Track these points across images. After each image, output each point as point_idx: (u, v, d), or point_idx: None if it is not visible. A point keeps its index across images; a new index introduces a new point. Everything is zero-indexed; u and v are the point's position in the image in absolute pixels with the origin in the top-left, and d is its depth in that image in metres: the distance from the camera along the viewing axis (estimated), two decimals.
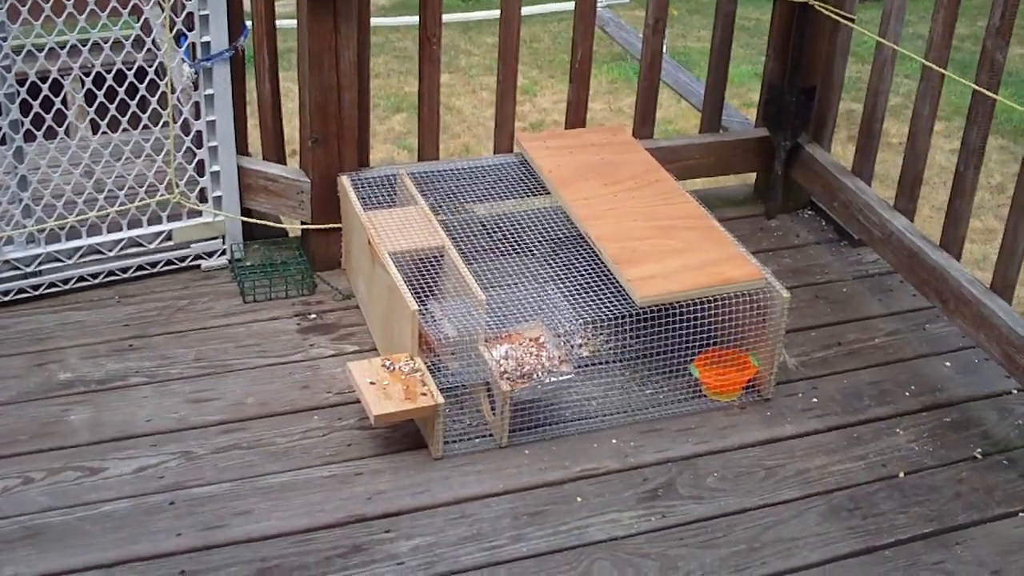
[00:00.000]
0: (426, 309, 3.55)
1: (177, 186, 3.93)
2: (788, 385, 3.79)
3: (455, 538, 3.18)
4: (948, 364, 3.94)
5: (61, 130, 3.80)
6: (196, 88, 3.87)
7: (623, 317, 3.50)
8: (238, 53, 3.91)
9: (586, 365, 3.67)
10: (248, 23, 3.95)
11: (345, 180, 3.98)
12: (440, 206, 4.04)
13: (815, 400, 3.75)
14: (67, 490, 3.23)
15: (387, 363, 3.44)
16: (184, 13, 3.78)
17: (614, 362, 3.73)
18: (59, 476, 3.26)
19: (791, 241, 4.54)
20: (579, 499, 3.33)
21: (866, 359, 3.94)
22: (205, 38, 3.81)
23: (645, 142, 4.34)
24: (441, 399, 3.33)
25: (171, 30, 3.79)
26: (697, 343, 3.63)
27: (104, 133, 3.87)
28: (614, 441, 3.53)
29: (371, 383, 3.38)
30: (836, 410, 3.72)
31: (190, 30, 3.79)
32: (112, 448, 3.37)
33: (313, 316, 3.94)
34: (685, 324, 3.55)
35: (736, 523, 3.30)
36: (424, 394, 3.35)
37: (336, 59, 3.84)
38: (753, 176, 4.83)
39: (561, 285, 3.72)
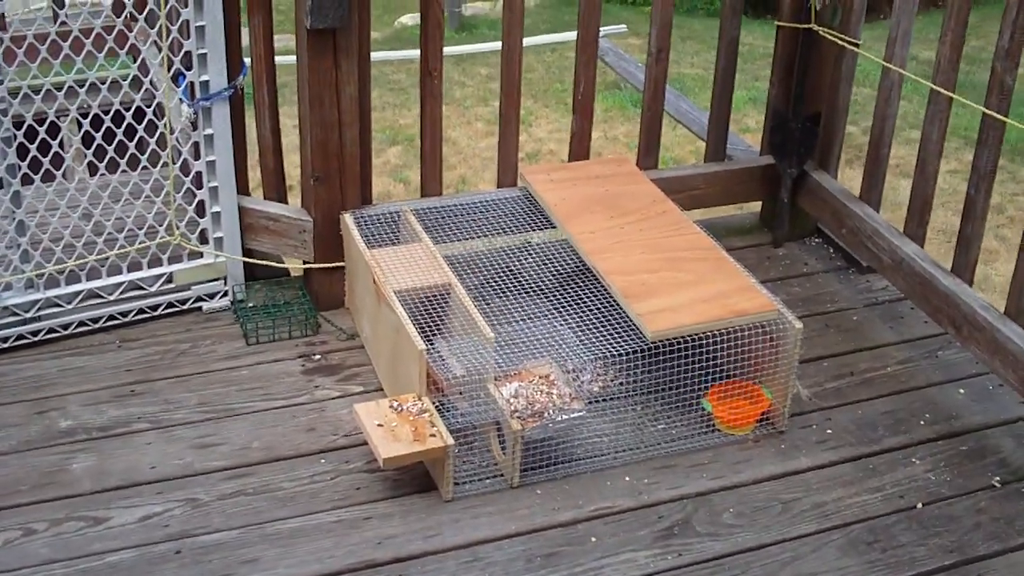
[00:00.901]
0: (433, 348, 3.49)
1: (177, 227, 3.87)
2: (802, 417, 3.73)
3: None
4: (962, 391, 3.88)
5: (59, 173, 3.74)
6: (195, 128, 3.82)
7: (634, 353, 3.43)
8: (237, 92, 3.85)
9: (597, 401, 3.60)
10: (247, 60, 3.89)
11: (348, 218, 3.93)
12: (445, 241, 3.98)
13: (829, 431, 3.69)
14: (70, 541, 3.16)
15: (394, 404, 3.38)
16: (182, 52, 3.73)
17: (625, 397, 3.67)
18: (62, 527, 3.20)
19: (799, 269, 4.49)
20: (593, 539, 3.27)
21: (879, 388, 3.89)
22: (204, 77, 3.76)
23: (649, 173, 4.29)
24: (451, 440, 3.27)
25: (169, 69, 3.73)
26: (709, 376, 3.58)
27: (102, 175, 3.80)
28: (627, 478, 3.47)
29: (379, 425, 3.32)
30: (851, 441, 3.66)
31: (188, 69, 3.74)
32: (116, 497, 3.30)
33: (317, 357, 3.88)
34: (697, 357, 3.49)
35: (754, 560, 3.23)
36: (433, 435, 3.29)
37: (337, 96, 3.79)
38: (758, 205, 4.78)
39: (570, 321, 3.67)
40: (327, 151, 3.85)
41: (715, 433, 3.64)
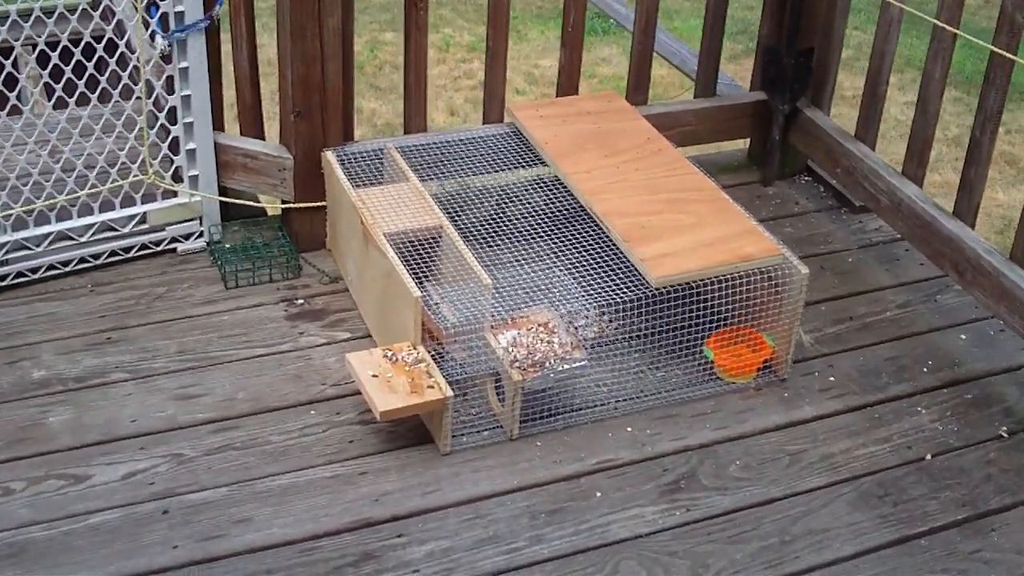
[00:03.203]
0: (425, 294, 3.34)
1: (151, 165, 3.67)
2: (803, 364, 3.62)
3: (471, 541, 2.99)
4: (964, 337, 3.79)
5: (26, 108, 3.53)
6: (169, 61, 3.61)
7: (638, 300, 3.29)
8: (213, 23, 3.64)
9: (593, 347, 3.45)
10: None
11: (330, 156, 3.75)
12: (432, 179, 3.80)
13: (832, 379, 3.58)
14: (51, 501, 2.99)
15: (389, 354, 3.23)
16: None
17: (623, 344, 3.51)
18: (41, 486, 3.03)
19: (791, 209, 4.36)
20: (598, 494, 3.15)
21: (880, 334, 3.78)
22: (178, 8, 3.54)
23: (639, 109, 4.13)
24: (450, 391, 3.13)
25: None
26: (710, 323, 3.44)
27: (71, 110, 3.58)
28: (629, 429, 3.35)
29: (373, 376, 3.16)
30: (855, 389, 3.55)
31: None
32: (97, 453, 3.13)
33: (300, 301, 3.71)
34: (698, 303, 3.36)
35: (764, 515, 3.12)
36: (431, 386, 3.14)
37: (320, 27, 3.60)
38: (746, 142, 4.63)
39: (567, 265, 3.52)
40: (308, 85, 3.67)
41: (716, 381, 3.52)
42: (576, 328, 3.49)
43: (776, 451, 3.32)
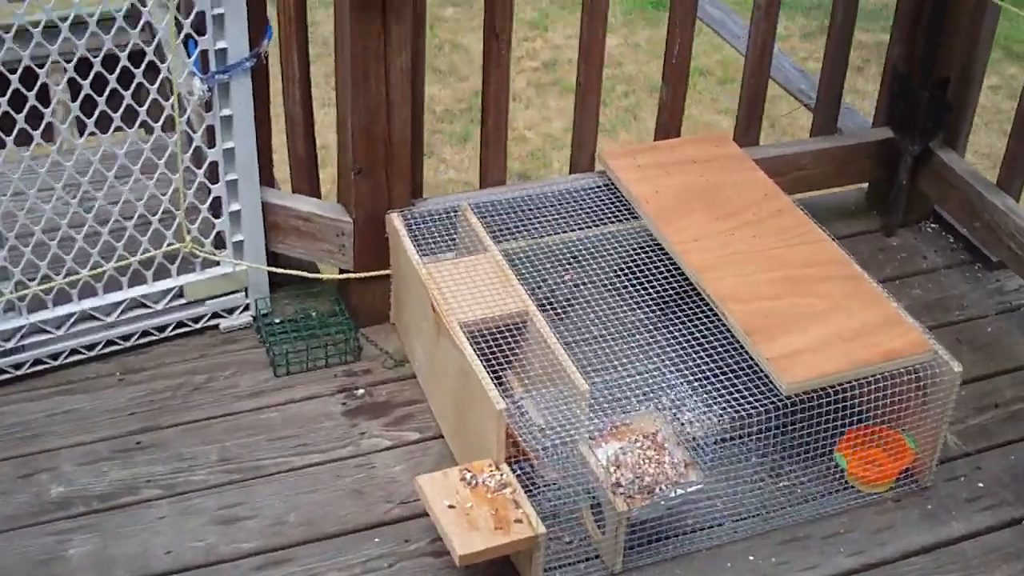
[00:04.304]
0: (510, 401, 2.82)
1: (188, 231, 3.16)
2: (946, 466, 3.10)
3: None
4: None
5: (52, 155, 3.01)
6: (209, 108, 3.09)
7: (766, 411, 2.77)
8: (260, 61, 3.12)
9: (700, 450, 2.89)
10: (272, 22, 3.16)
11: (396, 219, 3.23)
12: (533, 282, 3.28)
13: (981, 485, 3.06)
14: None
15: (467, 476, 2.72)
16: (193, 13, 2.97)
17: (736, 445, 2.97)
18: None
19: (918, 265, 3.81)
20: None
21: None
22: (220, 44, 3.02)
23: (749, 150, 3.58)
24: (542, 528, 2.62)
25: (178, 35, 2.99)
26: (842, 424, 2.91)
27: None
28: (751, 558, 2.84)
29: (450, 507, 2.66)
30: (1008, 498, 3.03)
31: (201, 34, 2.99)
32: None
33: (361, 392, 3.20)
34: (830, 405, 2.83)
35: None
36: (519, 520, 2.63)
37: (386, 68, 3.07)
38: (864, 182, 4.07)
39: (676, 362, 2.99)
40: (372, 137, 3.14)
41: (849, 491, 3.00)
42: (681, 423, 2.96)
43: None
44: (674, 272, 3.14)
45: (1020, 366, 3.44)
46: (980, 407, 3.29)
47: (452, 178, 5.72)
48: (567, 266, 3.31)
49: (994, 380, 3.39)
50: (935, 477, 3.04)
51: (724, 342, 2.93)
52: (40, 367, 3.16)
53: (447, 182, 5.57)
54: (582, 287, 3.29)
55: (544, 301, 3.17)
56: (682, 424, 2.95)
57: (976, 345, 3.50)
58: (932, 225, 3.98)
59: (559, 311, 3.22)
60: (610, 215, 3.39)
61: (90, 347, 3.18)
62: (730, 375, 2.86)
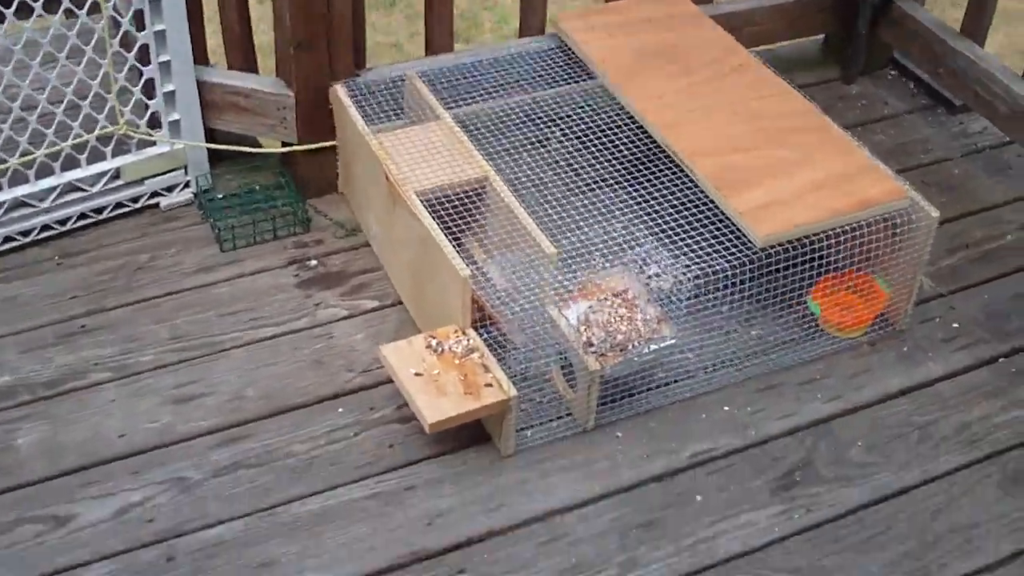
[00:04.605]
0: (467, 259, 2.71)
1: (121, 114, 3.00)
2: (921, 308, 3.02)
3: (550, 573, 2.41)
4: None
5: None
6: None
7: (741, 267, 2.66)
8: None
9: (670, 301, 2.77)
10: None
11: (341, 91, 3.08)
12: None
13: (956, 325, 2.99)
14: (26, 555, 2.39)
15: (433, 342, 2.61)
16: None
17: (708, 296, 2.86)
18: (13, 534, 2.43)
19: (880, 112, 3.71)
20: (698, 498, 2.56)
21: (1002, 264, 3.19)
22: None
23: (703, 8, 3.45)
24: (513, 391, 2.51)
25: None
26: (816, 271, 2.82)
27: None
28: (726, 408, 2.75)
29: (417, 375, 2.55)
30: (984, 337, 2.96)
31: None
32: (79, 483, 2.53)
33: (313, 263, 3.07)
34: (803, 253, 2.74)
35: (898, 511, 2.57)
36: (489, 384, 2.53)
37: None
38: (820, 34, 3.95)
39: (646, 221, 2.88)
40: (311, 9, 2.97)
41: (824, 338, 2.91)
42: (648, 277, 2.84)
43: (903, 424, 2.74)
44: (637, 131, 3.02)
45: (988, 207, 3.37)
46: (951, 248, 3.21)
47: (380, 41, 5.54)
48: (524, 128, 3.18)
49: (963, 221, 3.31)
50: (910, 320, 2.96)
51: (693, 198, 2.82)
52: None
53: (376, 46, 5.38)
54: (542, 148, 3.16)
55: (503, 164, 3.04)
56: (649, 278, 2.84)
57: (943, 187, 3.41)
58: (892, 72, 3.87)
59: (519, 174, 3.09)
60: (567, 77, 3.25)
61: (25, 233, 3.03)
62: (701, 230, 2.75)
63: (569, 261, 2.77)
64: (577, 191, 3.08)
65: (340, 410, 2.71)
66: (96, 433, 2.62)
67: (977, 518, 2.55)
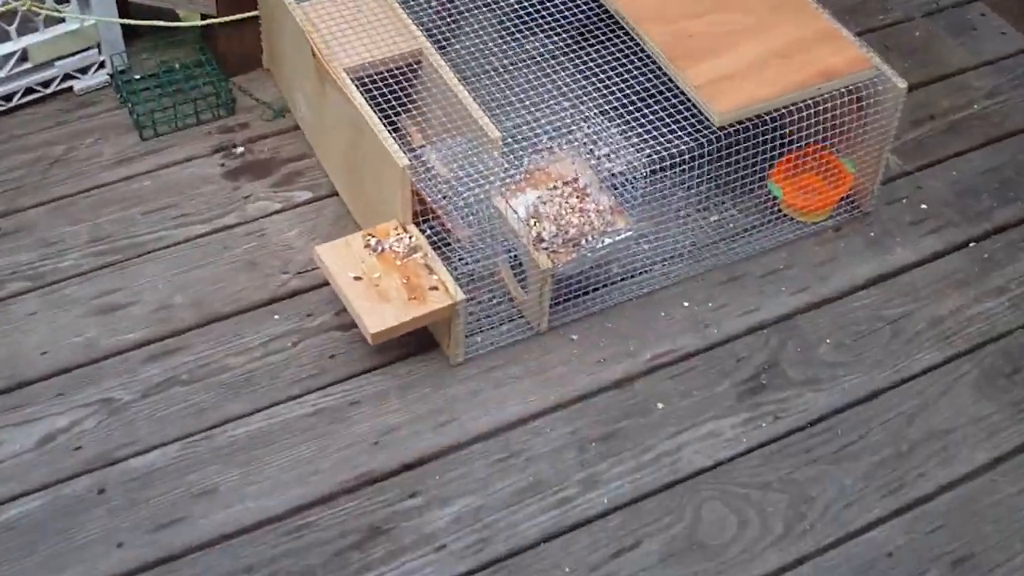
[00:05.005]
0: (404, 143, 2.52)
1: None
2: (886, 187, 2.87)
3: (507, 494, 2.29)
4: None
5: None
6: None
7: (696, 149, 2.49)
8: None
9: (623, 185, 2.57)
10: None
11: None
12: None
13: (924, 207, 2.85)
14: None
15: (371, 241, 2.43)
16: None
17: (660, 179, 2.68)
18: None
19: None
20: (660, 405, 2.43)
21: (971, 136, 3.03)
22: None
23: None
24: (460, 294, 2.35)
25: None
26: (776, 150, 2.65)
27: None
28: (686, 304, 2.61)
29: (356, 279, 2.37)
30: (953, 219, 2.83)
31: None
32: None
33: (240, 150, 2.86)
34: (762, 130, 2.56)
35: (871, 416, 2.45)
36: (434, 287, 2.36)
37: None
38: None
39: (594, 97, 2.69)
40: None
41: (787, 223, 2.77)
42: (598, 158, 2.66)
43: (873, 318, 2.61)
44: None
45: (953, 72, 3.20)
46: (916, 120, 3.05)
47: None
48: None
49: (928, 89, 3.14)
50: (876, 202, 2.81)
51: (644, 70, 2.62)
52: None
53: None
54: (477, 14, 2.93)
55: (436, 33, 2.82)
56: (599, 159, 2.65)
57: (904, 52, 3.24)
58: None
59: (452, 43, 2.87)
60: None
61: None
62: (653, 106, 2.56)
63: (514, 145, 2.57)
64: (521, 64, 2.87)
65: (276, 317, 2.54)
66: (16, 351, 2.44)
67: (953, 423, 2.45)
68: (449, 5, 2.88)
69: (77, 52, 2.88)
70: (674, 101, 2.55)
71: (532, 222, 2.44)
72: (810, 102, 2.55)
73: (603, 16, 2.75)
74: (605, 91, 2.65)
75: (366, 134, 2.45)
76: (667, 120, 2.53)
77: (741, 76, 2.54)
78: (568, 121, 2.64)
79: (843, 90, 2.59)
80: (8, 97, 2.85)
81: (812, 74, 2.55)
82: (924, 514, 2.30)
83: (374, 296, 2.34)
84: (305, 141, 2.87)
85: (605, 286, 2.60)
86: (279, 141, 2.88)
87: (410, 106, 2.63)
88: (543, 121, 2.63)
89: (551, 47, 2.89)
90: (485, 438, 2.36)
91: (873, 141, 2.68)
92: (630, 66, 2.63)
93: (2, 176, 2.76)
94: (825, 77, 2.55)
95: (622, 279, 2.62)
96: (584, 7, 2.78)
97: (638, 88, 2.60)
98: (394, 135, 2.40)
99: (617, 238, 2.47)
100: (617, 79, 2.63)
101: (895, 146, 2.92)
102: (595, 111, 2.68)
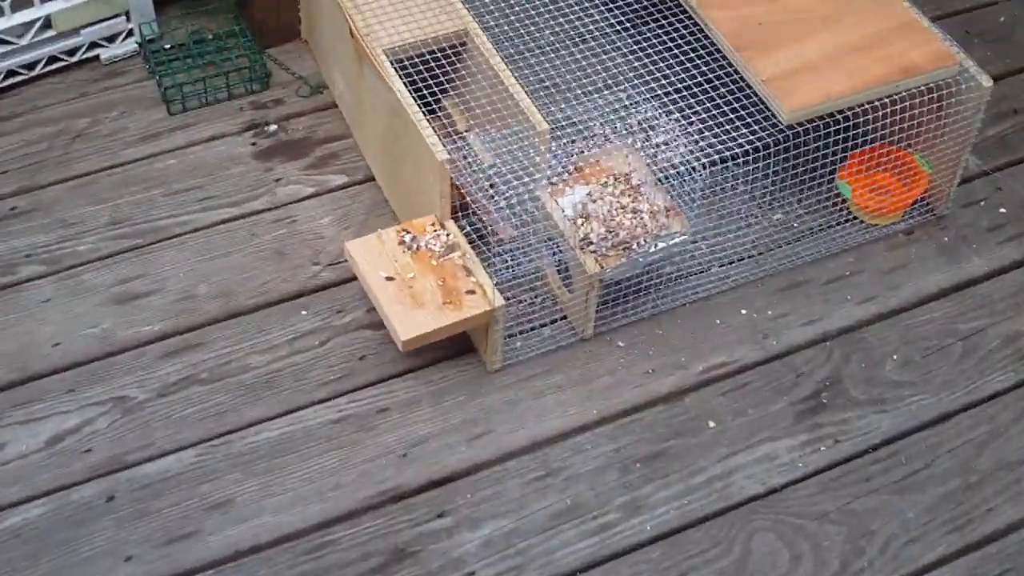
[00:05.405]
0: (445, 129, 2.34)
1: None
2: (963, 188, 2.66)
3: (543, 517, 2.13)
4: None
5: None
6: None
7: (763, 147, 2.30)
8: None
9: (679, 177, 2.38)
10: None
11: None
12: None
13: (1003, 211, 2.65)
14: None
15: (407, 238, 2.26)
16: None
17: (722, 175, 2.49)
18: None
19: None
20: (711, 424, 2.26)
21: None
22: None
23: None
24: (499, 300, 2.18)
25: None
26: (846, 148, 2.46)
27: None
28: (743, 312, 2.43)
29: (388, 279, 2.20)
30: None
31: None
32: (6, 404, 2.22)
33: (273, 128, 2.70)
34: (833, 126, 2.37)
35: (939, 443, 2.27)
36: (471, 291, 2.19)
37: None
38: None
39: (653, 88, 2.50)
40: None
41: (854, 224, 2.58)
42: (655, 148, 2.48)
43: (943, 333, 2.43)
44: None
45: None
46: (997, 114, 2.84)
47: None
48: None
49: (1011, 81, 2.94)
50: (952, 204, 2.61)
51: (706, 56, 2.43)
52: None
53: None
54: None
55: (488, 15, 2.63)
56: (656, 147, 2.47)
57: (988, 40, 3.03)
58: None
59: (504, 26, 2.68)
60: None
61: None
62: (716, 99, 2.37)
63: (563, 132, 2.40)
64: (572, 47, 2.68)
65: (304, 312, 2.38)
66: (28, 342, 2.30)
67: None
68: None
69: (104, 20, 2.71)
70: (737, 93, 2.36)
71: (580, 222, 2.26)
72: (886, 100, 2.35)
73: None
74: (662, 77, 2.46)
75: (405, 122, 2.28)
76: (728, 113, 2.33)
77: (813, 70, 2.34)
78: (622, 105, 2.45)
79: (924, 88, 2.38)
80: (31, 66, 2.69)
81: (891, 70, 2.36)
82: (992, 555, 2.12)
83: (407, 299, 2.18)
84: (343, 120, 2.71)
85: (657, 288, 2.41)
86: (315, 120, 2.72)
87: (452, 92, 2.45)
88: (594, 107, 2.44)
89: (604, 27, 2.69)
90: (521, 454, 2.20)
91: (952, 141, 2.48)
92: (691, 52, 2.44)
93: (22, 150, 2.61)
94: (905, 73, 2.35)
95: (675, 279, 2.43)
96: None
97: (698, 76, 2.41)
98: (436, 122, 2.23)
99: (671, 242, 2.29)
100: (676, 65, 2.43)
101: (973, 143, 2.71)
102: (650, 97, 2.49)
